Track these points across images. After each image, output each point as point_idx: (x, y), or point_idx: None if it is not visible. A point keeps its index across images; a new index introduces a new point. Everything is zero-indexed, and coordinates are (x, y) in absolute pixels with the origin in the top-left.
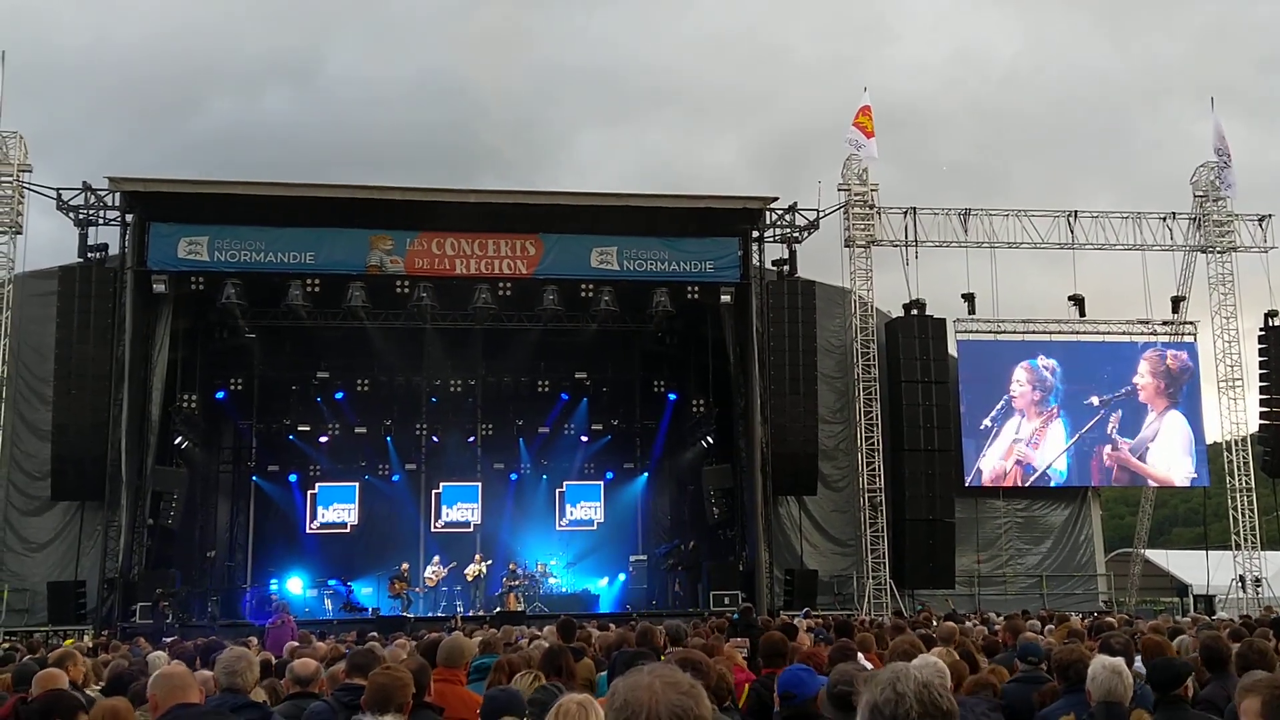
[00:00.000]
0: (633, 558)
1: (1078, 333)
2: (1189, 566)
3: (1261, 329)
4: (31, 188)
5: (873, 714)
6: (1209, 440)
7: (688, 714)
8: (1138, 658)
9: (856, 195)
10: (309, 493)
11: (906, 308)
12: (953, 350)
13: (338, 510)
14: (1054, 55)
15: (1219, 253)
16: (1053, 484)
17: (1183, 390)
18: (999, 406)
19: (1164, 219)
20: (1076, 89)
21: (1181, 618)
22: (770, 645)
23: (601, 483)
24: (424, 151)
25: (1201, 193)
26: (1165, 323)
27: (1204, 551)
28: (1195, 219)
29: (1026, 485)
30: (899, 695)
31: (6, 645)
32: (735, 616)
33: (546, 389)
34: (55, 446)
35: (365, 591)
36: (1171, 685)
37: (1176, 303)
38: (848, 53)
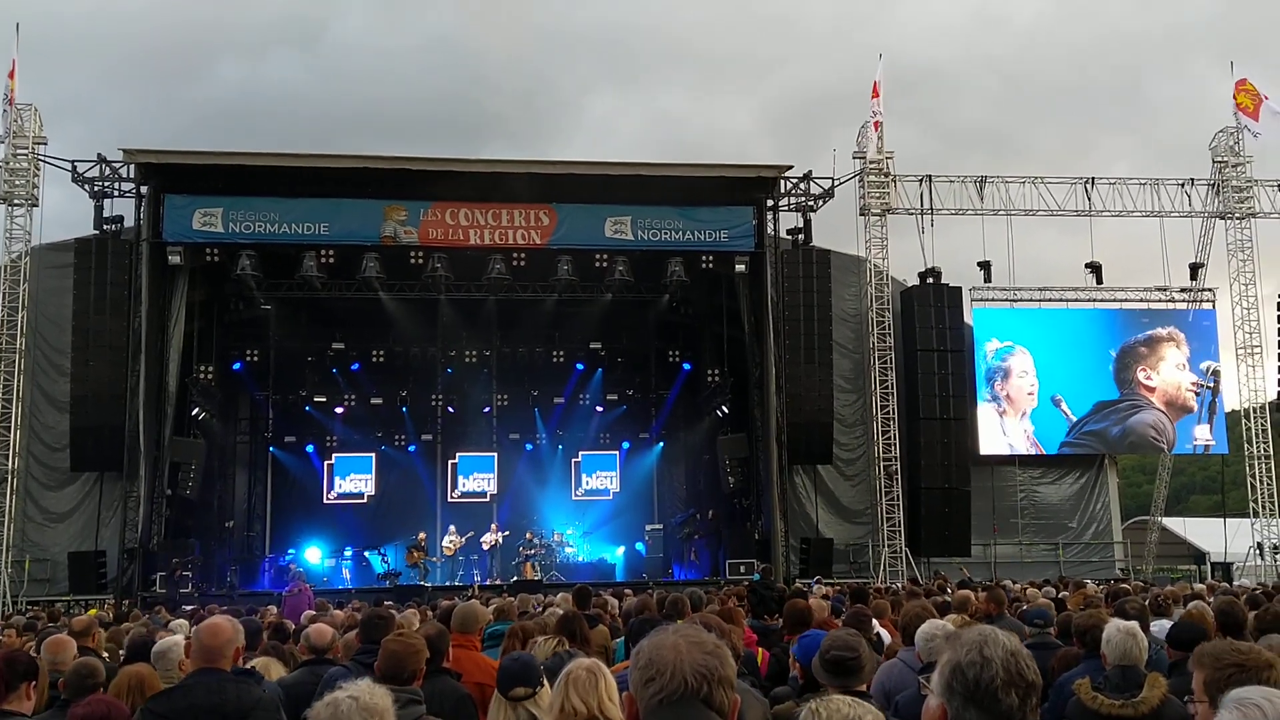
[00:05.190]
0: (649, 527)
1: (1095, 300)
2: (1206, 534)
3: None
4: (47, 160)
5: (954, 674)
6: (1227, 408)
7: (713, 673)
8: (1155, 621)
9: (871, 163)
10: (326, 463)
11: (922, 276)
12: (968, 318)
13: (355, 480)
14: (1076, 14)
15: (1238, 219)
16: (1066, 452)
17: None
18: (1011, 377)
19: (1182, 185)
20: (1097, 50)
21: (1198, 584)
22: (794, 613)
23: (617, 452)
24: (430, 119)
25: (1221, 158)
26: (1184, 289)
27: (1222, 519)
28: (1214, 184)
29: (1042, 454)
30: (985, 660)
31: (29, 614)
32: (756, 577)
33: (561, 359)
34: (74, 418)
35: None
36: (1193, 646)
37: (1195, 269)
38: (861, 12)
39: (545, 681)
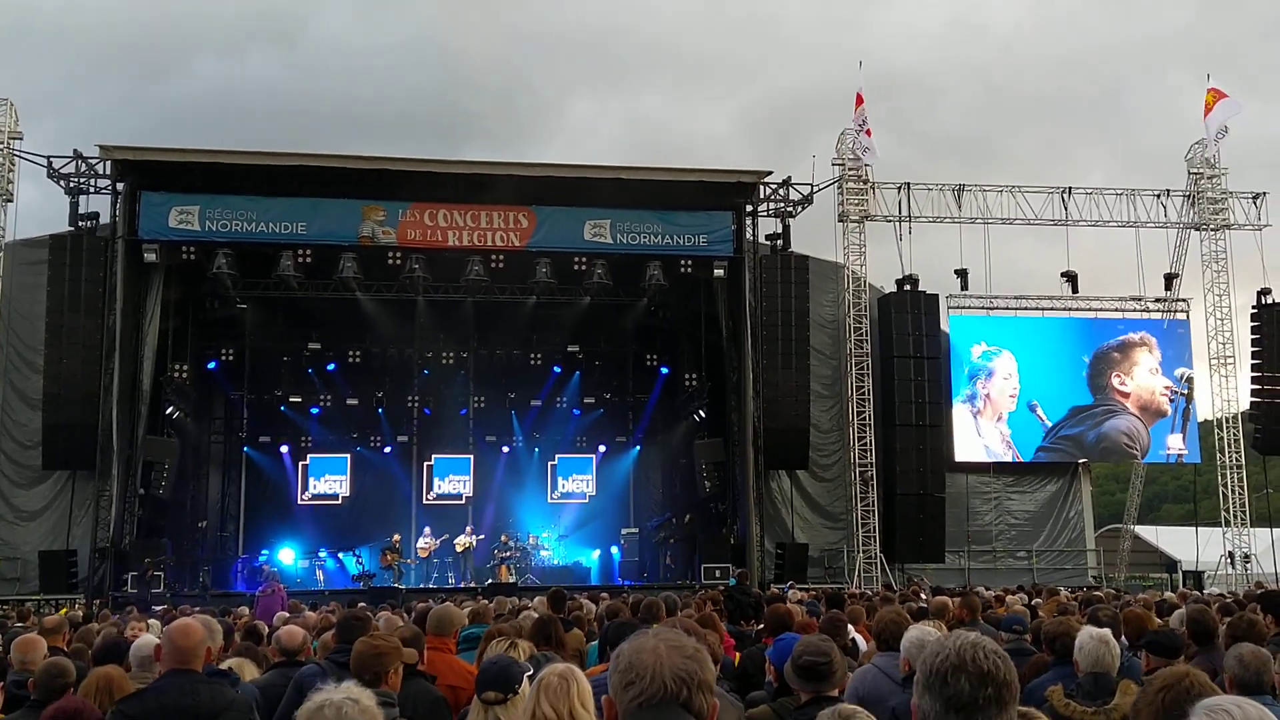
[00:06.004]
0: (624, 530)
1: (1070, 309)
2: (1178, 543)
3: (1254, 306)
4: (22, 155)
5: (920, 667)
6: (1200, 417)
7: (692, 678)
8: None
9: (850, 170)
10: (300, 464)
11: (899, 283)
12: (945, 326)
13: (329, 481)
14: (1054, 24)
15: (1213, 230)
16: (1040, 460)
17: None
18: (988, 384)
19: (1158, 195)
20: (1075, 60)
21: (1169, 593)
22: (775, 617)
23: (593, 456)
24: (408, 118)
25: (1196, 169)
26: (1158, 299)
27: (1193, 528)
28: (1189, 195)
29: (1019, 460)
30: (943, 648)
31: None
32: (732, 582)
33: (539, 362)
34: (46, 415)
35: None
36: (1171, 655)
37: (1169, 280)
38: (840, 17)
39: (523, 687)
